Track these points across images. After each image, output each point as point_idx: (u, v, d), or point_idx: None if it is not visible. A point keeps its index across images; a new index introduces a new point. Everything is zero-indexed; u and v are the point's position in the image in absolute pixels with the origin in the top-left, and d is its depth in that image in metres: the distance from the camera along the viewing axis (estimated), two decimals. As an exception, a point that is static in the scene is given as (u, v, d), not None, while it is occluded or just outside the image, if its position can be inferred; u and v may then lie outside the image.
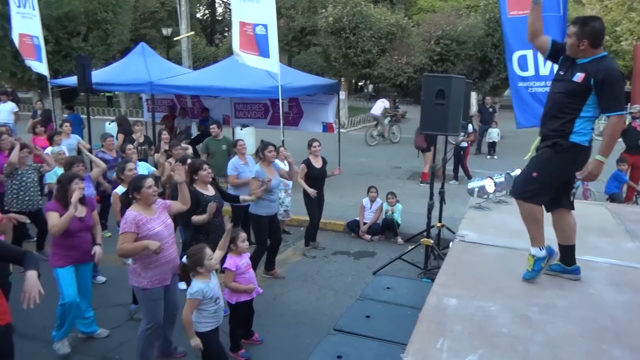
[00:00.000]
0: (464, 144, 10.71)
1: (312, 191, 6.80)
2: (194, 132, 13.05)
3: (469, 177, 10.83)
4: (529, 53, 6.43)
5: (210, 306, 3.70)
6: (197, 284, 3.63)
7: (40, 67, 11.23)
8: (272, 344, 4.79)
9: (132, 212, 3.95)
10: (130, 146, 7.03)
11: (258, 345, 4.74)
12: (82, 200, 4.54)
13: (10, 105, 13.68)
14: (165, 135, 8.56)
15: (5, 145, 6.72)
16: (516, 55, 6.61)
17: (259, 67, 8.97)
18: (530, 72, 6.53)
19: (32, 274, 3.07)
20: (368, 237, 7.81)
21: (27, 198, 6.05)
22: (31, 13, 10.86)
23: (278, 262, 6.47)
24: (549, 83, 6.43)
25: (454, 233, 6.20)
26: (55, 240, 4.46)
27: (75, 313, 4.69)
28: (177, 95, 12.98)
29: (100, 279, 6.05)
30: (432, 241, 6.39)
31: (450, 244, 4.52)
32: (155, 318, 4.11)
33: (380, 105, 16.25)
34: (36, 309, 4.90)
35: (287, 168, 6.65)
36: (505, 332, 2.82)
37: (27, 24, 11.09)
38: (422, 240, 6.44)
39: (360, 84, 41.88)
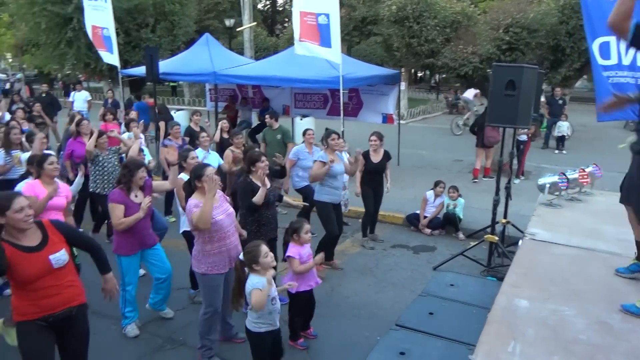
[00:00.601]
0: (524, 138, 10.14)
1: (357, 191, 6.84)
2: (254, 121, 13.26)
3: (520, 175, 10.30)
4: (613, 40, 5.95)
5: (267, 306, 3.62)
6: (257, 277, 3.57)
7: (112, 57, 11.74)
8: (330, 335, 4.78)
9: (194, 200, 4.03)
10: (204, 134, 7.25)
11: (313, 338, 4.71)
12: (141, 187, 4.67)
13: (85, 94, 14.47)
14: (225, 124, 8.72)
15: (85, 130, 7.08)
16: (598, 42, 6.15)
17: (321, 56, 8.94)
18: (613, 60, 6.05)
19: (110, 277, 3.56)
20: (428, 231, 7.63)
21: (110, 181, 6.32)
22: (103, 5, 11.35)
23: (336, 253, 6.45)
24: (631, 73, 6.02)
25: (521, 231, 5.94)
26: None
27: (156, 293, 4.90)
28: (239, 85, 13.21)
29: None
30: (496, 238, 6.15)
31: (520, 242, 4.31)
32: (213, 304, 4.17)
33: (472, 91, 15.85)
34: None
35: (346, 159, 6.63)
36: (584, 340, 2.65)
37: (98, 16, 11.61)
38: (486, 236, 6.22)
39: (419, 74, 41.05)
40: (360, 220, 7.67)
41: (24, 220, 3.02)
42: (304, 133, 7.29)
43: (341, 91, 9.16)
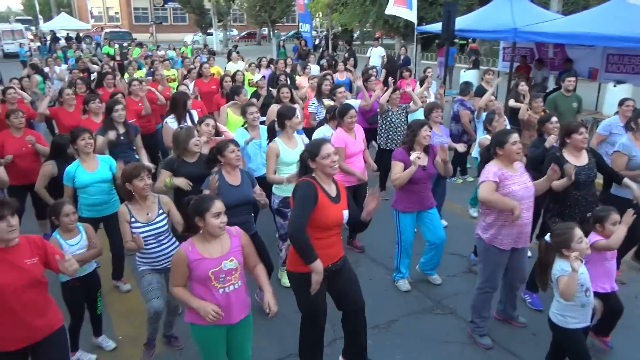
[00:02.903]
0: None
1: None
2: (551, 85, 11.82)
3: None
4: None
5: (579, 298, 3.11)
6: (566, 263, 3.05)
7: (410, 14, 11.93)
8: (628, 351, 3.93)
9: (494, 165, 3.71)
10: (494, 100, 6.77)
11: (606, 349, 3.93)
12: (426, 149, 4.50)
13: (380, 50, 15.26)
14: (523, 86, 7.91)
15: (373, 86, 7.40)
16: None
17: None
18: None
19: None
20: None
21: (396, 137, 6.50)
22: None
23: (645, 253, 5.26)
24: None
25: None
26: None
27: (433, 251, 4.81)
28: (538, 44, 11.90)
29: (442, 222, 6.16)
30: None
31: None
32: (491, 281, 3.87)
33: None
34: (385, 240, 5.29)
35: None
36: None
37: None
38: None
39: None
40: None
41: (330, 166, 3.18)
42: (621, 103, 5.86)
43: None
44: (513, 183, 3.68)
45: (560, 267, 3.06)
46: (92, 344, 4.01)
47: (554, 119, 5.09)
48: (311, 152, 3.23)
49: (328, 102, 6.65)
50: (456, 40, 25.71)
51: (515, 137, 3.70)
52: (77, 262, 3.38)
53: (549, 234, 3.21)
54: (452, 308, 4.54)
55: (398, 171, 4.43)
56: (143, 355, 3.80)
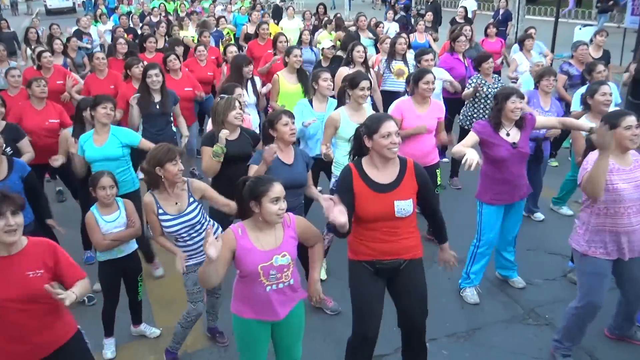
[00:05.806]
0: None
1: None
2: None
3: None
4: None
5: None
6: None
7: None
8: None
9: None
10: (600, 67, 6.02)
11: None
12: (519, 123, 4.05)
13: (473, 3, 14.40)
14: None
15: (460, 48, 6.92)
16: None
17: None
18: None
19: (446, 246, 3.44)
20: None
21: (486, 110, 6.09)
22: None
23: None
24: None
25: None
26: (484, 170, 4.19)
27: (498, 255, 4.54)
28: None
29: (539, 216, 5.75)
30: None
31: None
32: (590, 297, 3.47)
33: None
34: (470, 235, 4.95)
35: None
36: None
37: None
38: None
39: None
40: None
41: (388, 147, 2.93)
42: None
43: None
44: (620, 179, 3.27)
45: None
46: (130, 335, 4.10)
47: None
48: (369, 127, 2.97)
49: (399, 65, 6.28)
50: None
51: (630, 120, 3.26)
52: (114, 240, 3.64)
53: None
54: (549, 318, 4.20)
55: (468, 143, 3.96)
56: None
